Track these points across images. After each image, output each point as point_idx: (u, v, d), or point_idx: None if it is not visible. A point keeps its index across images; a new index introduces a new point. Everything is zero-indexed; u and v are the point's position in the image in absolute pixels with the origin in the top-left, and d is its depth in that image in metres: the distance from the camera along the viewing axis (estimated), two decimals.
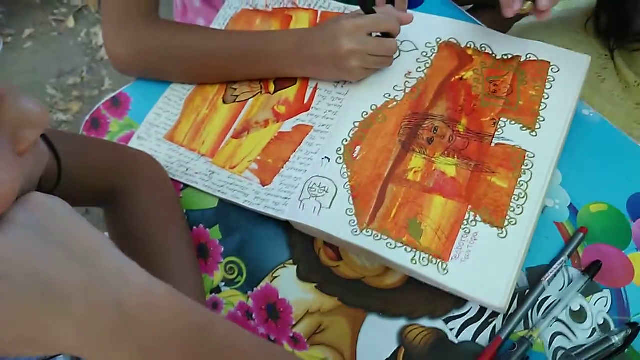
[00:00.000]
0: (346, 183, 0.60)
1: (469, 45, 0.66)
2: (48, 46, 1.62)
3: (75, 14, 1.67)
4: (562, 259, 0.56)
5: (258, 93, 0.70)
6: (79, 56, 1.59)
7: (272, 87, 0.70)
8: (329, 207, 0.58)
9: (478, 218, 0.56)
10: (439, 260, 0.54)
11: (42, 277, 0.28)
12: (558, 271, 0.56)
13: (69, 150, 0.48)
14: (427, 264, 0.54)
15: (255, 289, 0.59)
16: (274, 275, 0.59)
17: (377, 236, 0.56)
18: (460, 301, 0.56)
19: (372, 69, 0.65)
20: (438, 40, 0.68)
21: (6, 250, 0.28)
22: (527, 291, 0.56)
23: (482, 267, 0.54)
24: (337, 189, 0.59)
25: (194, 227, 0.63)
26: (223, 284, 0.60)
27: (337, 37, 0.61)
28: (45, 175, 0.34)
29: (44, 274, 0.28)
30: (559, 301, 0.55)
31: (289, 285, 0.58)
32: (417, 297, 0.56)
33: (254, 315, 0.58)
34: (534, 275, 0.56)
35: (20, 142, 0.30)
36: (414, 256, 0.55)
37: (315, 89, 0.68)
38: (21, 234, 0.29)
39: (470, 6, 1.12)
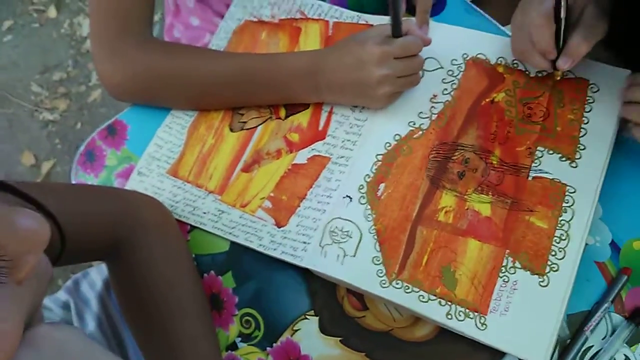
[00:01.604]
0: (371, 227, 0.55)
1: (499, 62, 0.60)
2: (29, 39, 1.52)
3: (56, 3, 1.57)
4: (605, 305, 0.52)
5: (268, 119, 0.64)
6: (63, 49, 1.49)
7: (282, 112, 0.64)
8: (354, 255, 0.54)
9: (517, 264, 0.52)
10: (476, 314, 0.50)
11: None
12: (601, 319, 0.52)
13: (67, 210, 0.43)
14: (464, 319, 0.50)
15: (274, 344, 0.54)
16: (295, 328, 0.55)
17: (408, 288, 0.52)
18: (498, 354, 0.52)
19: (400, 92, 0.59)
20: (465, 56, 0.61)
21: None
22: (569, 341, 0.52)
23: (523, 321, 0.50)
24: (361, 234, 0.54)
25: (205, 274, 0.58)
26: (239, 339, 0.55)
27: (366, 65, 0.55)
28: (49, 246, 0.30)
29: None
30: (603, 351, 0.51)
31: (311, 339, 0.54)
32: (452, 350, 0.52)
33: None
34: (575, 323, 0.52)
35: (20, 270, 0.25)
36: (449, 310, 0.51)
37: (331, 113, 0.63)
38: None
39: None
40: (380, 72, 0.55)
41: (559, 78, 0.57)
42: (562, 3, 0.50)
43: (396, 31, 0.55)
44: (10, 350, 0.25)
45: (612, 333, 0.52)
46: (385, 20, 0.64)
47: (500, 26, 0.65)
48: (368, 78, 0.55)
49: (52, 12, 1.56)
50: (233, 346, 0.55)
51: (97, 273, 0.69)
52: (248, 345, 0.55)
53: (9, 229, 0.25)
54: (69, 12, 1.56)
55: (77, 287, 0.69)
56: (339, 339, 0.54)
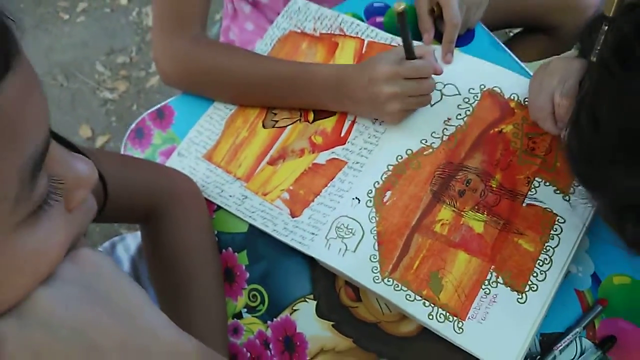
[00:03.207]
0: (373, 228, 0.61)
1: (512, 97, 0.66)
2: (100, 22, 1.66)
3: None
4: (577, 330, 0.56)
5: (297, 120, 0.71)
6: (129, 35, 1.62)
7: (311, 116, 0.71)
8: (354, 251, 0.60)
9: (500, 280, 0.57)
10: (455, 319, 0.56)
11: (85, 333, 0.31)
12: (571, 341, 0.56)
13: (113, 172, 0.51)
14: (444, 321, 0.56)
15: (275, 319, 0.61)
16: (294, 308, 0.61)
17: (398, 286, 0.58)
18: (472, 358, 0.57)
19: (412, 110, 0.65)
20: (482, 87, 0.67)
21: (55, 305, 0.31)
22: (538, 357, 0.56)
23: (498, 330, 0.55)
24: (363, 233, 0.61)
25: (223, 250, 0.65)
26: (245, 310, 0.62)
27: (377, 83, 0.62)
28: (95, 196, 0.37)
29: (87, 330, 0.31)
30: None
31: (307, 320, 0.61)
32: (431, 349, 0.58)
33: (271, 346, 0.60)
34: (547, 342, 0.57)
35: (71, 200, 0.32)
36: (432, 311, 0.56)
37: (354, 122, 0.69)
38: (69, 291, 0.32)
39: (521, 29, 1.10)
40: (389, 89, 0.61)
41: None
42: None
43: (409, 54, 0.61)
44: (55, 258, 0.32)
45: (581, 356, 0.56)
46: (418, 44, 0.71)
47: (521, 64, 0.70)
48: (379, 94, 0.62)
49: (123, 0, 1.69)
50: (239, 315, 0.62)
51: (133, 238, 0.77)
52: (252, 316, 0.62)
53: (67, 166, 0.32)
54: (139, 2, 1.69)
55: (113, 249, 0.78)
56: (332, 323, 0.61)
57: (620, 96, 0.35)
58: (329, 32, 0.76)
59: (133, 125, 0.74)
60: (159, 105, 0.75)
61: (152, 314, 0.34)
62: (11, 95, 0.25)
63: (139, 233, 0.78)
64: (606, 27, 0.56)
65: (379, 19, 0.77)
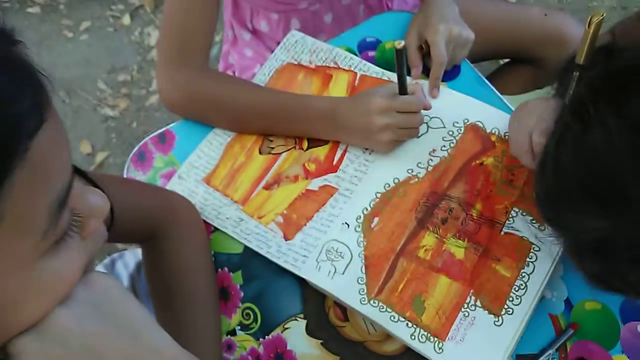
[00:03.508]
0: (361, 252, 0.65)
1: (493, 132, 0.70)
2: (103, 41, 1.70)
3: (131, 12, 1.75)
4: (550, 351, 0.60)
5: (292, 148, 0.75)
6: (131, 54, 1.67)
7: (305, 144, 0.75)
8: (343, 273, 0.64)
9: (478, 303, 0.61)
10: (436, 339, 0.60)
11: (94, 349, 0.35)
12: None
13: (118, 197, 0.54)
14: (425, 341, 0.60)
15: (267, 337, 0.65)
16: (285, 326, 0.65)
17: (383, 308, 0.61)
18: None
19: (401, 141, 0.70)
20: (466, 121, 0.72)
21: (68, 323, 0.35)
22: None
23: (475, 351, 0.59)
24: (352, 256, 0.65)
25: (219, 269, 0.69)
26: (239, 327, 0.66)
27: (371, 114, 0.66)
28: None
29: (96, 346, 0.35)
30: None
31: (297, 338, 0.64)
32: None
33: None
34: None
35: (86, 229, 0.36)
36: (414, 332, 0.60)
37: (345, 151, 0.73)
38: (81, 311, 0.35)
39: (508, 60, 1.15)
40: (381, 120, 0.65)
41: None
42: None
43: (401, 90, 0.66)
44: (73, 282, 0.36)
45: None
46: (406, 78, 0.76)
47: (503, 99, 0.75)
48: (372, 125, 0.66)
49: (126, 20, 1.74)
50: (233, 332, 0.66)
51: (132, 256, 0.81)
52: (245, 333, 0.66)
53: (83, 199, 0.36)
54: (141, 22, 1.74)
55: (112, 265, 0.81)
56: (321, 341, 0.64)
57: (579, 149, 0.39)
58: (323, 64, 0.81)
59: (136, 149, 0.78)
60: (161, 130, 0.79)
61: (155, 332, 0.38)
62: (44, 144, 0.29)
63: (137, 250, 0.82)
64: (577, 74, 0.61)
65: (371, 53, 0.82)
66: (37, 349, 0.34)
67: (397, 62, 0.63)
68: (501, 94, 0.98)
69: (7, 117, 0.27)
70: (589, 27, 0.59)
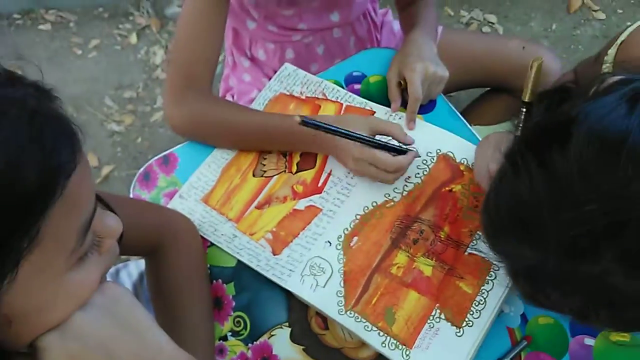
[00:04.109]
0: (341, 268, 0.73)
1: (462, 162, 0.78)
2: (110, 59, 1.79)
3: (138, 32, 1.84)
4: None
5: (282, 171, 0.83)
6: (137, 72, 1.75)
7: (294, 168, 0.83)
8: (324, 286, 0.72)
9: (442, 316, 0.69)
10: (404, 347, 0.67)
11: (107, 346, 0.43)
12: None
13: (127, 216, 0.62)
14: (394, 349, 0.67)
15: (255, 342, 0.72)
16: (272, 333, 0.73)
17: (358, 318, 0.69)
18: None
19: None
20: (438, 151, 0.80)
21: (86, 324, 0.43)
22: None
23: (438, 358, 0.66)
24: (332, 272, 0.73)
25: (214, 281, 0.77)
26: (230, 333, 0.74)
27: (346, 156, 0.75)
28: None
29: (108, 344, 0.43)
30: None
31: (282, 344, 0.72)
32: None
33: None
34: None
35: (103, 247, 0.44)
36: (385, 340, 0.68)
37: (329, 175, 0.82)
38: (97, 314, 0.43)
39: (488, 89, 1.24)
40: (353, 166, 0.75)
41: None
42: None
43: (378, 145, 0.73)
44: (92, 290, 0.43)
45: None
46: (385, 109, 0.84)
47: (473, 131, 0.83)
48: (345, 164, 0.76)
49: (133, 39, 1.83)
50: (224, 338, 0.73)
51: (135, 266, 0.89)
52: (235, 339, 0.73)
53: (102, 222, 0.44)
54: (148, 41, 1.83)
55: (117, 274, 0.89)
56: (303, 347, 0.72)
57: (510, 191, 0.47)
58: (313, 95, 0.89)
59: (142, 170, 0.86)
60: (165, 152, 0.87)
61: (157, 333, 0.46)
62: (76, 180, 0.37)
63: (139, 261, 0.89)
64: (524, 110, 0.70)
65: (357, 86, 0.90)
66: (59, 345, 0.42)
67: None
68: (478, 123, 1.07)
69: (51, 166, 0.35)
70: (530, 69, 0.68)
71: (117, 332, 0.44)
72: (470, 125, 0.85)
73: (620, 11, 1.75)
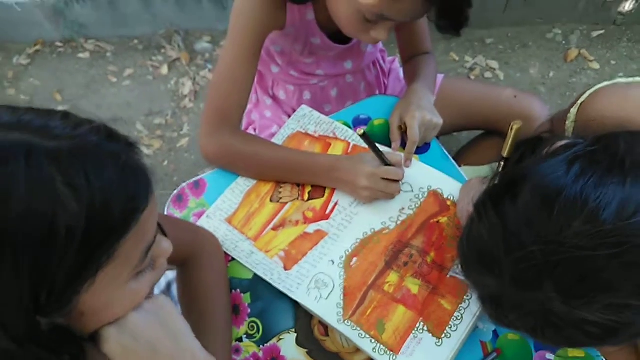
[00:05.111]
0: (341, 283, 0.86)
1: (449, 197, 0.92)
2: (142, 87, 1.96)
3: (169, 64, 2.02)
4: None
5: (295, 199, 0.97)
6: (166, 101, 1.92)
7: (306, 196, 0.97)
8: (326, 299, 0.85)
9: (425, 328, 0.81)
10: (392, 353, 0.79)
11: (151, 343, 0.55)
12: None
13: (169, 231, 0.76)
14: (383, 354, 0.79)
15: (266, 344, 0.85)
16: (280, 337, 0.85)
17: (354, 327, 0.82)
18: None
19: (379, 198, 0.91)
20: (429, 187, 0.93)
21: (138, 325, 0.55)
22: None
23: None
24: (334, 286, 0.86)
25: (233, 290, 0.90)
26: (245, 336, 0.86)
27: (359, 175, 0.88)
28: None
29: (153, 341, 0.55)
30: None
31: (289, 347, 0.84)
32: None
33: None
34: None
35: (156, 263, 0.58)
36: (376, 346, 0.80)
37: (336, 204, 0.95)
38: (147, 317, 0.56)
39: (481, 132, 1.37)
40: (365, 183, 0.87)
41: None
42: None
43: (382, 161, 0.88)
44: (144, 297, 0.56)
45: None
46: (387, 149, 0.98)
47: (461, 172, 0.96)
48: (358, 183, 0.88)
49: (164, 70, 2.00)
50: (240, 339, 0.86)
51: (163, 277, 1.02)
52: (249, 341, 0.86)
53: (158, 245, 0.57)
54: (177, 73, 2.00)
55: None
56: (307, 351, 0.84)
57: (475, 232, 0.60)
58: (325, 134, 1.03)
59: (175, 192, 1.01)
60: (196, 178, 1.02)
61: (191, 339, 0.59)
62: (146, 216, 0.50)
63: (168, 272, 1.03)
64: (501, 164, 0.83)
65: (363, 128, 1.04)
66: (116, 336, 0.54)
67: (366, 143, 0.86)
68: (469, 163, 1.20)
69: (132, 208, 0.47)
70: (510, 131, 0.81)
71: (160, 333, 0.56)
72: (460, 166, 0.98)
73: (614, 62, 1.88)
